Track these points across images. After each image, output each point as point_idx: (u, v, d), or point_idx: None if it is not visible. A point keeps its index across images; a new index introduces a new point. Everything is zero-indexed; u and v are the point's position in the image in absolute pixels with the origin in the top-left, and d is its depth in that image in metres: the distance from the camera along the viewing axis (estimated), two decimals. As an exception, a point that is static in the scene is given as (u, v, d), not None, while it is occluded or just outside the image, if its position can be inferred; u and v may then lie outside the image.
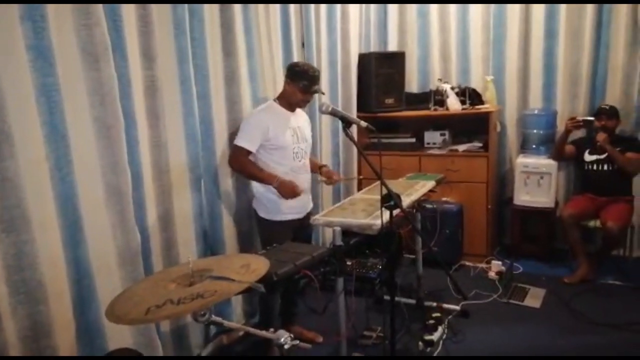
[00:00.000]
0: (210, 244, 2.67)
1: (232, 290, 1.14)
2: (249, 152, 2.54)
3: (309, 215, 2.73)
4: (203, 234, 2.61)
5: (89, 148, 1.93)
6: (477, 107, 3.85)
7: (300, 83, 2.53)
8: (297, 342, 1.29)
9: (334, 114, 1.98)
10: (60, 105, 1.81)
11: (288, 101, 2.62)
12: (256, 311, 2.99)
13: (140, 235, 2.12)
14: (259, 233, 2.80)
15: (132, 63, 2.10)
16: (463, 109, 3.85)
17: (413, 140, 4.06)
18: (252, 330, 1.31)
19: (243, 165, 2.57)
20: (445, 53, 4.28)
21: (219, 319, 1.26)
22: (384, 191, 1.95)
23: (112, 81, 1.94)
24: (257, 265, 1.26)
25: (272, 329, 1.38)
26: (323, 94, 2.57)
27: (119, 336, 2.01)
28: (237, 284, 1.14)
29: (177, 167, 2.41)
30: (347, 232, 2.24)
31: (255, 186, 2.68)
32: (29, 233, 1.74)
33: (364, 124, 2.01)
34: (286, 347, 1.29)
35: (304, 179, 2.69)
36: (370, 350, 2.60)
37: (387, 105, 4.03)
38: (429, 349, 2.65)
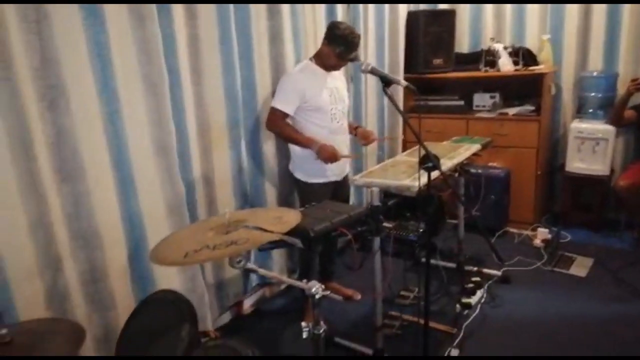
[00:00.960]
0: (250, 202, 2.76)
1: (263, 239, 1.20)
2: (286, 115, 2.53)
3: (347, 177, 2.75)
4: (243, 192, 2.70)
5: (138, 104, 2.02)
6: (530, 68, 3.67)
7: (337, 48, 2.47)
8: (328, 292, 1.34)
9: (373, 72, 1.96)
10: (111, 62, 1.90)
11: (323, 62, 2.59)
12: (296, 267, 3.09)
13: (185, 189, 2.24)
14: (298, 194, 2.86)
15: (177, 22, 2.16)
16: (516, 70, 3.69)
17: (461, 102, 3.95)
18: (284, 278, 1.39)
19: (281, 128, 2.57)
20: (499, 10, 4.07)
21: (253, 267, 1.34)
22: (423, 153, 1.92)
23: (157, 39, 2.01)
24: (289, 218, 1.31)
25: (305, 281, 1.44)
26: (359, 61, 2.51)
27: (168, 281, 2.15)
28: (269, 234, 1.19)
29: (217, 126, 2.48)
30: (388, 194, 2.25)
31: (293, 148, 2.69)
32: (85, 184, 1.88)
33: (404, 83, 1.97)
34: (317, 297, 1.34)
35: (342, 141, 2.68)
36: (406, 310, 2.64)
37: (435, 65, 3.92)
38: (466, 312, 2.66)
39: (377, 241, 2.21)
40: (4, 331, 1.26)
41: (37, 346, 1.26)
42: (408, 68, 3.93)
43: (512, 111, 3.74)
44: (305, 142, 2.53)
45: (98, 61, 1.86)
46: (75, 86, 1.80)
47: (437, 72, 3.93)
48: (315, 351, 1.46)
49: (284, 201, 2.96)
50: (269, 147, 2.82)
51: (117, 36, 1.90)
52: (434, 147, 2.47)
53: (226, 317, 2.75)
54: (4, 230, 1.65)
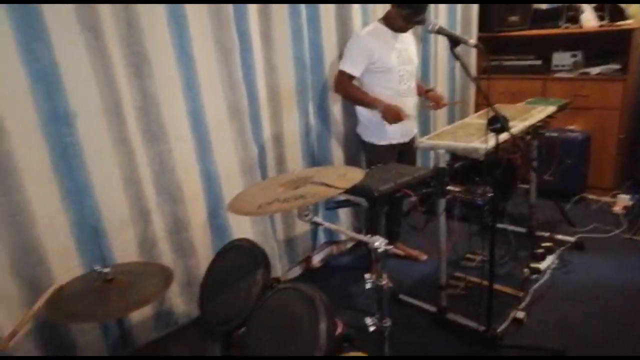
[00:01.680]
0: (317, 163, 2.84)
1: (329, 193, 1.28)
2: (352, 77, 2.55)
3: (413, 139, 2.75)
4: (310, 153, 2.79)
5: (212, 69, 2.14)
6: (617, 23, 3.38)
7: (404, 11, 2.43)
8: (391, 247, 1.40)
9: (440, 32, 1.93)
10: (187, 29, 2.02)
11: (391, 24, 2.55)
12: (363, 227, 3.17)
13: (257, 149, 2.37)
14: (364, 156, 2.90)
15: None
16: (600, 26, 3.42)
17: (538, 62, 3.74)
18: (348, 232, 1.46)
19: (347, 90, 2.60)
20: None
21: (319, 220, 1.43)
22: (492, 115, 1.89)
23: (229, 6, 2.10)
24: (353, 175, 1.38)
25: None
26: (424, 24, 2.45)
27: (242, 234, 2.31)
28: (334, 188, 1.27)
29: (286, 90, 2.56)
30: (456, 157, 2.24)
31: (360, 110, 2.72)
32: (167, 143, 2.05)
33: (472, 42, 1.93)
34: (380, 250, 1.40)
35: (409, 103, 2.67)
36: (471, 272, 2.65)
37: (511, 23, 3.73)
38: (534, 276, 2.62)
39: (442, 203, 2.23)
40: (107, 270, 1.45)
41: (135, 284, 1.45)
42: (482, 27, 3.76)
43: (594, 71, 3.50)
44: (370, 103, 2.55)
45: (176, 28, 1.98)
46: (157, 52, 1.94)
47: (512, 30, 3.74)
48: (378, 302, 1.54)
49: (350, 162, 3.02)
50: (336, 109, 2.87)
51: (192, 5, 2.01)
52: (506, 109, 2.40)
53: (296, 272, 2.91)
54: (102, 185, 1.86)
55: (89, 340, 1.91)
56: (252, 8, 2.30)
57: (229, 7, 2.12)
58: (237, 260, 1.50)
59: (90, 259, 1.84)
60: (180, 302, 2.21)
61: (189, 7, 2.00)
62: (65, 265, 1.80)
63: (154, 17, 1.91)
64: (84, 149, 1.79)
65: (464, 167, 2.29)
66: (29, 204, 1.68)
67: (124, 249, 1.95)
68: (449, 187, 2.17)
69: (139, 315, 2.02)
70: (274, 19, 2.41)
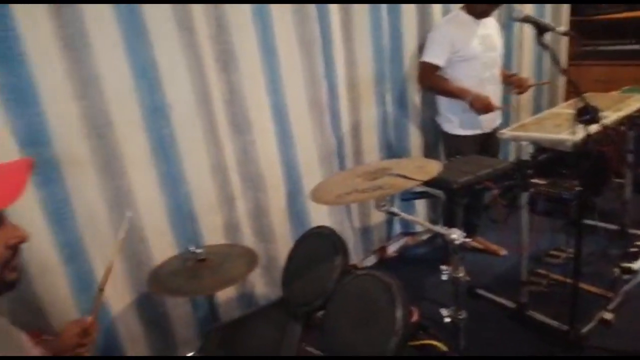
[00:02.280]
0: (394, 153, 2.85)
1: (406, 185, 1.30)
2: (437, 68, 2.52)
3: (496, 129, 2.67)
4: (387, 144, 2.81)
5: (294, 63, 2.22)
6: None
7: None
8: (469, 239, 1.40)
9: (526, 20, 1.86)
10: (271, 26, 2.11)
11: (473, 9, 2.49)
12: (439, 219, 3.14)
13: (335, 140, 2.43)
14: (443, 147, 2.86)
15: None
16: None
17: (637, 46, 3.44)
18: (425, 223, 1.47)
19: (433, 82, 2.58)
20: None
21: (396, 210, 1.46)
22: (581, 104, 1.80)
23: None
24: (431, 167, 1.39)
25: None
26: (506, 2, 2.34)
27: (319, 222, 2.39)
28: (411, 180, 1.29)
29: (365, 81, 2.59)
30: (542, 149, 2.15)
31: (440, 100, 2.69)
32: (252, 135, 2.17)
33: (561, 29, 1.83)
34: (457, 242, 1.41)
35: (493, 91, 2.59)
36: (554, 269, 2.53)
37: (606, 5, 3.45)
38: (625, 277, 2.45)
39: (524, 196, 2.16)
40: (200, 250, 1.59)
41: (224, 264, 1.57)
42: (574, 10, 3.53)
43: None
44: (458, 93, 2.50)
45: (261, 25, 2.08)
46: (243, 49, 2.05)
47: (608, 13, 3.46)
48: (454, 295, 1.54)
49: (428, 154, 3.00)
50: (414, 99, 2.86)
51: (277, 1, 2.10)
52: (598, 99, 2.25)
53: (370, 261, 2.96)
54: (193, 172, 2.02)
55: (180, 314, 2.10)
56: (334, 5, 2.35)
57: (312, 4, 2.18)
58: (317, 246, 1.57)
59: (182, 240, 2.01)
60: (260, 283, 2.34)
61: (274, 5, 2.09)
62: (161, 244, 1.98)
63: (241, 15, 2.01)
64: (177, 139, 1.94)
65: (549, 159, 2.19)
66: (131, 188, 1.87)
67: (211, 231, 2.10)
68: (532, 180, 2.09)
69: (224, 294, 2.18)
70: (354, 12, 2.44)
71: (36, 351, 0.90)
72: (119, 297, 1.92)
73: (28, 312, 1.65)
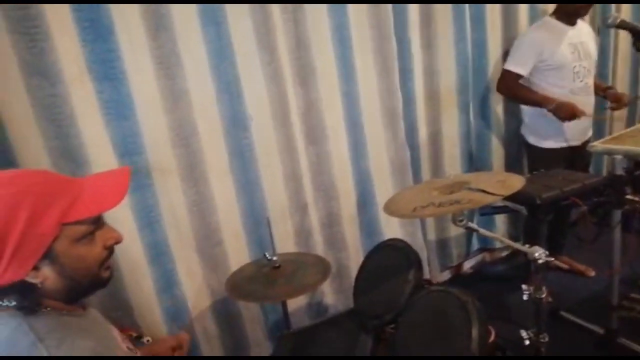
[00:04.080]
0: (475, 165, 2.76)
1: (485, 200, 1.25)
2: (519, 76, 2.41)
3: (586, 143, 2.49)
4: (469, 155, 2.72)
5: (370, 77, 2.23)
6: None
7: None
8: (552, 259, 1.32)
9: (621, 26, 1.72)
10: (350, 40, 2.14)
11: (565, 11, 2.34)
12: (520, 235, 2.99)
13: (410, 151, 2.40)
14: (527, 159, 2.72)
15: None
16: None
17: None
18: (505, 240, 1.41)
19: (513, 90, 2.46)
20: None
21: (474, 226, 1.41)
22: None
23: (388, 15, 2.17)
24: (513, 182, 1.32)
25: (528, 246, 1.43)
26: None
27: (391, 233, 2.38)
28: (491, 196, 1.24)
29: (446, 91, 2.54)
30: (638, 163, 1.98)
31: (525, 109, 2.57)
32: (326, 146, 2.20)
33: (663, 34, 1.68)
34: (540, 261, 1.33)
35: (586, 102, 2.42)
36: (652, 295, 2.32)
37: None
38: None
39: (617, 214, 1.99)
40: (275, 258, 1.63)
41: (298, 272, 1.60)
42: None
43: None
44: (541, 101, 2.36)
45: (339, 42, 2.12)
46: (321, 64, 2.09)
47: None
48: (536, 316, 1.46)
49: (511, 166, 2.88)
50: (498, 110, 2.76)
51: (355, 16, 2.12)
52: None
53: (445, 276, 2.87)
54: (268, 180, 2.08)
55: (253, 317, 2.16)
56: (414, 11, 2.33)
57: (389, 16, 2.18)
58: (391, 258, 1.55)
59: (255, 245, 2.08)
60: (329, 291, 2.36)
61: (352, 20, 2.12)
62: (236, 248, 2.06)
63: (320, 30, 2.06)
64: (256, 148, 2.02)
65: (645, 174, 2.01)
66: (211, 194, 1.96)
67: (283, 238, 2.14)
68: (627, 197, 1.93)
69: (294, 300, 2.21)
70: (436, 22, 2.40)
71: (125, 347, 0.96)
72: (196, 298, 2.02)
73: (117, 308, 1.78)
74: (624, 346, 2.07)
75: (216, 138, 1.93)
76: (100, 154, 1.68)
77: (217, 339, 2.10)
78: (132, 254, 1.81)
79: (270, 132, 2.04)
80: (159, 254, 1.88)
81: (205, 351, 2.08)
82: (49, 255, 0.85)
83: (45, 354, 0.80)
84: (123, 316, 1.79)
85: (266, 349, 2.04)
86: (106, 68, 1.64)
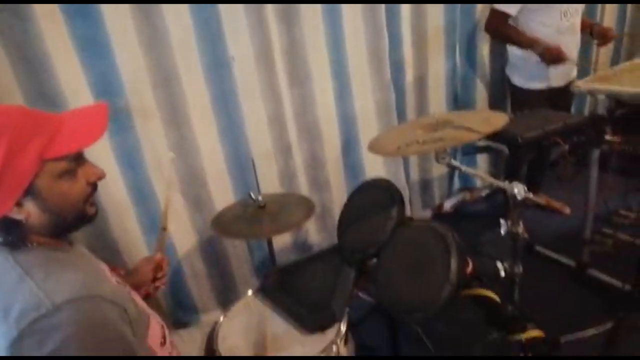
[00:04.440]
0: (460, 105, 2.76)
1: (469, 138, 1.27)
2: (508, 16, 2.35)
3: (571, 83, 2.49)
4: (453, 96, 2.72)
5: (356, 17, 2.17)
6: None
7: None
8: (531, 195, 1.35)
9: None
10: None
11: None
12: (501, 175, 3.05)
13: (396, 93, 2.38)
14: (510, 100, 2.73)
15: None
16: None
17: None
18: (486, 176, 1.44)
19: (501, 30, 2.42)
20: None
21: (457, 163, 1.43)
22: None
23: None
24: (497, 120, 1.33)
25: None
26: None
27: (374, 174, 2.41)
28: (475, 133, 1.25)
29: (433, 31, 2.49)
30: (620, 104, 2.00)
31: (511, 49, 2.54)
32: (309, 87, 2.17)
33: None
34: (519, 198, 1.36)
35: (571, 41, 2.41)
36: (622, 230, 2.41)
37: None
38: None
39: (595, 153, 2.04)
40: (260, 197, 1.65)
41: (283, 211, 1.63)
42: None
43: None
44: (527, 43, 2.34)
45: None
46: (305, 4, 2.01)
47: None
48: (512, 250, 1.51)
49: (494, 107, 2.88)
50: (484, 49, 2.73)
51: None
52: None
53: (426, 215, 2.94)
54: (252, 122, 2.06)
55: (239, 255, 2.22)
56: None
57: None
58: (374, 196, 1.58)
59: (240, 186, 2.10)
60: (314, 231, 2.41)
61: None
62: (221, 189, 2.07)
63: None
64: (238, 90, 1.98)
65: (627, 115, 2.04)
66: (194, 136, 1.94)
67: (268, 179, 2.16)
68: (606, 137, 1.97)
69: (280, 240, 2.26)
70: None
71: (115, 281, 0.98)
72: (183, 239, 2.05)
73: (104, 248, 1.81)
74: (594, 277, 2.18)
75: (197, 79, 1.88)
76: (77, 94, 1.64)
77: (205, 276, 2.17)
78: (116, 196, 1.81)
79: (253, 73, 2.00)
80: (143, 195, 1.88)
81: (193, 289, 2.14)
82: (31, 191, 0.84)
83: (33, 287, 0.81)
84: (111, 256, 1.82)
85: (253, 286, 2.09)
86: (79, 5, 1.57)
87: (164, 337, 1.05)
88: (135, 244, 1.90)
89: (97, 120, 0.92)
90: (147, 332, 0.98)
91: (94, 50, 1.64)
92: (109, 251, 1.83)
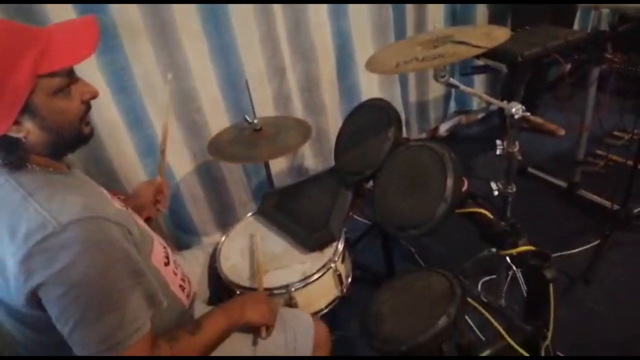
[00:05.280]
0: (459, 21, 2.66)
1: (469, 53, 1.23)
2: None
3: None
4: (452, 11, 2.63)
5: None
6: None
7: None
8: (528, 114, 1.34)
9: None
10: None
11: None
12: (498, 96, 3.01)
13: (395, 7, 2.28)
14: (511, 17, 2.63)
15: None
16: None
17: None
18: (484, 96, 1.42)
19: None
20: None
21: (456, 82, 1.40)
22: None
23: None
24: (497, 34, 1.29)
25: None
26: None
27: (371, 95, 2.36)
28: (475, 48, 1.22)
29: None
30: (624, 18, 1.93)
31: None
32: (302, 5, 2.05)
33: None
34: (516, 117, 1.35)
35: None
36: (615, 151, 2.43)
37: None
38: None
39: (595, 72, 2.00)
40: (256, 120, 1.63)
41: (279, 134, 1.62)
42: None
43: None
44: None
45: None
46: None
47: None
48: (506, 169, 1.53)
49: (494, 23, 2.77)
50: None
51: None
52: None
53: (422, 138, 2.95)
54: (245, 42, 1.98)
55: (236, 179, 2.24)
56: None
57: None
58: (371, 117, 1.56)
59: (235, 110, 2.07)
60: (310, 155, 2.42)
61: None
62: (216, 113, 2.04)
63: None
64: (229, 9, 1.88)
65: (631, 31, 1.98)
66: (186, 59, 1.88)
67: (262, 103, 2.12)
68: (607, 55, 1.92)
69: (277, 164, 2.27)
70: None
71: (117, 203, 0.99)
72: (180, 163, 2.05)
73: (102, 174, 1.81)
74: (584, 197, 2.24)
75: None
76: (59, 9, 1.55)
77: (204, 200, 2.20)
78: (110, 119, 1.78)
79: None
80: (137, 119, 1.86)
81: (193, 212, 2.18)
82: (28, 108, 0.83)
83: (37, 207, 0.82)
84: (109, 182, 1.82)
85: (251, 209, 2.12)
86: None
87: (167, 258, 1.09)
88: (133, 168, 1.90)
89: (88, 34, 0.89)
90: (151, 253, 1.01)
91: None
92: (107, 177, 1.83)
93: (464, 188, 1.26)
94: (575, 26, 2.79)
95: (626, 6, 1.87)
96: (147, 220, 1.29)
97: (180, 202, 2.11)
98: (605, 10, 1.88)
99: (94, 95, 0.94)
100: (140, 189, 1.36)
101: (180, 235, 2.16)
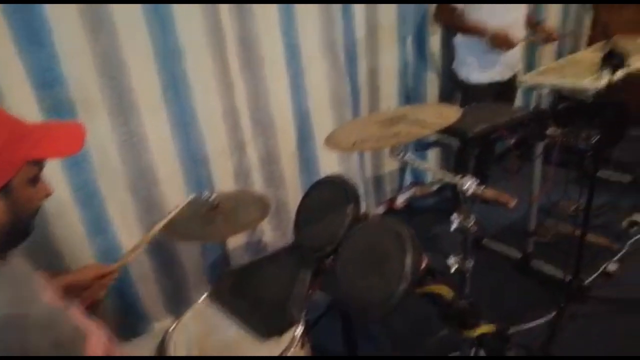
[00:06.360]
0: (411, 99, 2.79)
1: (424, 132, 1.28)
2: (455, 9, 2.41)
3: (515, 77, 2.58)
4: (405, 89, 2.76)
5: (310, 7, 2.15)
6: None
7: None
8: (482, 188, 1.39)
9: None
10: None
11: None
12: (451, 169, 3.12)
13: (350, 86, 2.37)
14: (460, 97, 2.79)
15: None
16: None
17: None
18: (439, 171, 1.46)
19: (449, 20, 2.48)
20: None
21: (411, 158, 1.44)
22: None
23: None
24: (449, 113, 1.35)
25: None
26: None
27: (329, 170, 2.40)
28: (429, 127, 1.26)
29: (386, 24, 2.51)
30: (562, 97, 2.09)
31: (459, 43, 2.59)
32: (263, 79, 2.11)
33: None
34: (469, 192, 1.40)
35: (516, 35, 2.48)
36: (563, 221, 2.53)
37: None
38: (634, 229, 2.46)
39: (539, 146, 2.12)
40: (214, 196, 1.59)
41: (237, 210, 1.58)
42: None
43: None
44: (475, 30, 2.40)
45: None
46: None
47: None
48: (463, 243, 1.55)
49: (444, 100, 2.94)
50: (434, 44, 2.78)
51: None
52: (627, 42, 2.13)
53: (380, 210, 2.97)
54: (206, 115, 1.99)
55: (191, 258, 2.14)
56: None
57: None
58: (330, 193, 1.57)
59: (193, 184, 2.03)
60: (269, 229, 2.37)
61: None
62: (173, 188, 1.99)
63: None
64: (190, 81, 1.90)
65: (568, 108, 2.13)
66: (144, 130, 1.85)
67: (222, 176, 2.10)
68: (548, 130, 2.05)
69: (234, 239, 2.21)
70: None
71: (48, 295, 0.91)
72: (131, 239, 1.96)
73: (46, 254, 1.69)
74: (537, 268, 2.28)
75: (147, 68, 1.79)
76: (14, 85, 1.52)
77: (154, 282, 2.08)
78: (58, 196, 1.69)
79: (205, 62, 1.92)
80: (88, 195, 1.78)
81: (143, 294, 2.05)
82: (6, 188, 0.82)
83: None
84: (53, 262, 1.71)
85: (206, 290, 2.03)
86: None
87: (107, 350, 0.99)
88: (80, 248, 1.79)
89: (75, 134, 0.94)
90: (85, 347, 0.92)
91: (31, 36, 1.52)
92: (50, 257, 1.71)
93: (423, 266, 1.26)
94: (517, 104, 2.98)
95: (562, 86, 2.03)
96: (92, 305, 1.19)
97: (127, 281, 1.99)
98: (545, 90, 2.03)
99: (49, 194, 0.94)
100: (85, 267, 1.27)
101: (128, 320, 2.02)
